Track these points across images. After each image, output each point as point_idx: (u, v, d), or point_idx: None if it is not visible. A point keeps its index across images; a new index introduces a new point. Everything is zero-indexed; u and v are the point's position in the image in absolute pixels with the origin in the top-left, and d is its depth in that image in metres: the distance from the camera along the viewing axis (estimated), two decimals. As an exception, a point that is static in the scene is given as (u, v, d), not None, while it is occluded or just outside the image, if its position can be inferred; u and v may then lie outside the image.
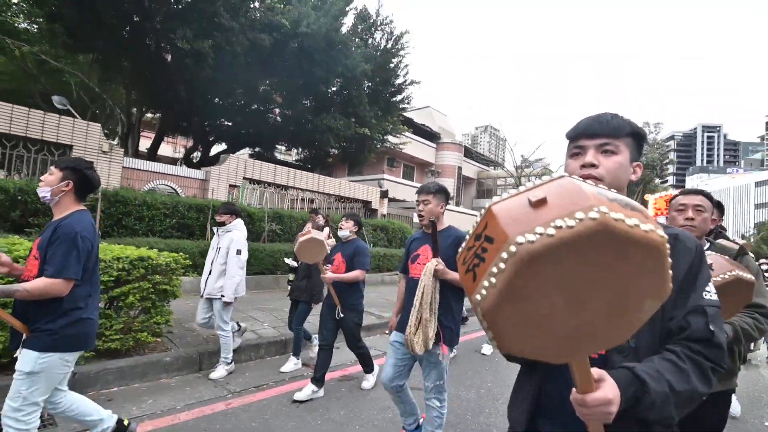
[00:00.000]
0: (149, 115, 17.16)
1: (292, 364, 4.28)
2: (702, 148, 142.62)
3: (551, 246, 0.51)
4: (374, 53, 13.74)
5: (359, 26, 13.31)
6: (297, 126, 13.99)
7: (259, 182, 12.25)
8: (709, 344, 0.92)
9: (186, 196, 10.17)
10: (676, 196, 2.04)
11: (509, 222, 0.55)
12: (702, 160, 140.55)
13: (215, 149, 17.56)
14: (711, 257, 1.46)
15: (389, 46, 14.23)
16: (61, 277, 2.01)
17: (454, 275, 2.40)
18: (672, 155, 30.99)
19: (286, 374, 4.09)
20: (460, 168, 28.72)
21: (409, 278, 2.65)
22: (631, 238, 0.53)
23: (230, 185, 11.55)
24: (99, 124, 9.19)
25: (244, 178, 11.81)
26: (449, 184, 27.13)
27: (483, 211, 0.65)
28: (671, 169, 31.25)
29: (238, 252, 3.91)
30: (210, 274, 3.93)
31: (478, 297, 0.57)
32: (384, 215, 15.86)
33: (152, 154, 14.45)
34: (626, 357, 0.94)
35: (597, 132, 1.05)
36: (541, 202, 0.56)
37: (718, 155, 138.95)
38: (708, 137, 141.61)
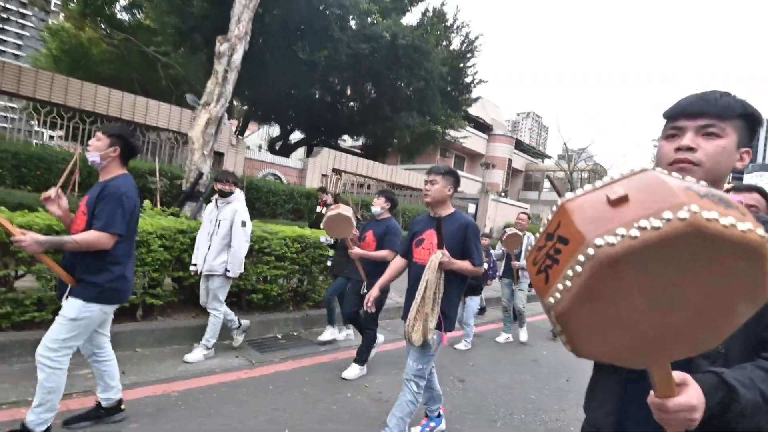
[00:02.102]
0: (235, 103, 19.16)
1: (328, 333, 4.34)
2: (765, 144, 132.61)
3: (635, 249, 0.47)
4: (450, 55, 14.83)
5: (437, 29, 14.33)
6: (374, 121, 15.41)
7: (344, 172, 13.88)
8: None
9: (287, 184, 11.93)
10: (727, 191, 1.77)
11: (586, 222, 0.51)
12: (764, 157, 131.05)
13: (292, 137, 19.35)
14: None
15: (463, 48, 15.25)
16: (108, 231, 2.14)
17: (460, 264, 2.30)
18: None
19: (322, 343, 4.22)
20: (510, 160, 29.30)
21: (413, 263, 2.51)
22: (727, 240, 0.47)
23: (322, 174, 13.23)
24: (229, 121, 11.03)
25: (334, 169, 13.47)
26: (499, 175, 27.90)
27: (555, 208, 0.60)
28: (728, 177, 30.25)
29: (243, 224, 3.67)
30: (210, 248, 3.61)
31: (552, 300, 0.55)
32: (445, 205, 17.17)
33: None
34: (714, 363, 0.86)
35: (701, 111, 0.93)
36: (621, 200, 0.51)
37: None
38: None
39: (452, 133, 19.18)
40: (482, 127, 28.62)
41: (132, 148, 2.36)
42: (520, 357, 4.83)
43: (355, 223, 3.47)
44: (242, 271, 3.78)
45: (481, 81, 16.64)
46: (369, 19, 11.12)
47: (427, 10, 13.94)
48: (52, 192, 2.25)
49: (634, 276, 0.49)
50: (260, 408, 2.85)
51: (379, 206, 3.71)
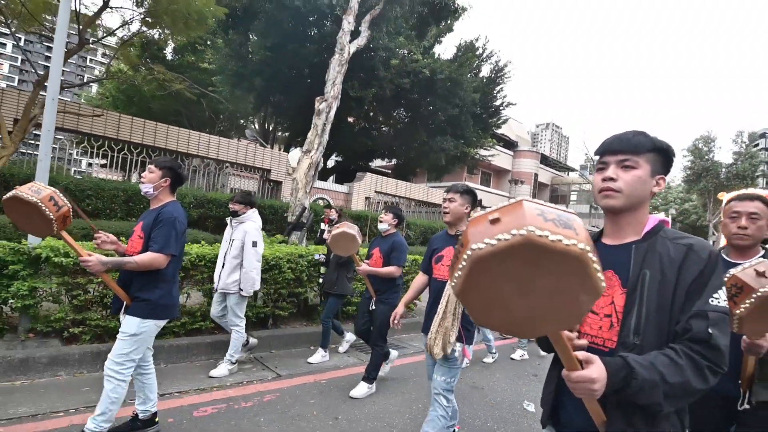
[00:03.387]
0: (279, 133, 20.67)
1: (319, 356, 4.31)
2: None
3: (492, 251, 0.69)
4: (481, 83, 15.83)
5: (469, 59, 15.38)
6: (409, 144, 16.47)
7: (384, 194, 14.91)
8: (708, 346, 1.00)
9: (338, 206, 13.03)
10: (730, 200, 1.89)
11: (473, 234, 0.73)
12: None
13: (329, 161, 20.60)
14: (763, 264, 1.40)
15: (493, 75, 16.25)
16: (164, 252, 2.34)
17: None
18: (764, 166, 29.60)
19: (312, 365, 4.16)
20: (536, 175, 29.83)
21: (433, 279, 2.63)
22: (552, 249, 0.68)
23: (365, 197, 14.30)
24: (287, 153, 12.27)
25: (376, 192, 14.53)
26: (526, 190, 28.45)
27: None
28: (763, 182, 29.79)
29: (254, 244, 3.77)
30: (223, 267, 3.77)
31: (452, 284, 0.76)
32: (477, 222, 17.91)
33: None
34: (631, 352, 1.05)
35: (617, 149, 1.16)
36: (495, 221, 0.72)
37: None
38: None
39: (481, 152, 20.08)
40: (508, 143, 29.37)
41: (180, 177, 2.57)
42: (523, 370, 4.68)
43: (360, 240, 3.57)
44: (257, 288, 3.86)
45: (509, 104, 17.54)
46: (408, 55, 12.23)
47: (461, 45, 15.03)
48: (102, 236, 2.41)
49: (497, 270, 0.71)
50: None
51: (386, 223, 3.76)
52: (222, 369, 3.68)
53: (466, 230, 0.78)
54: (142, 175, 2.50)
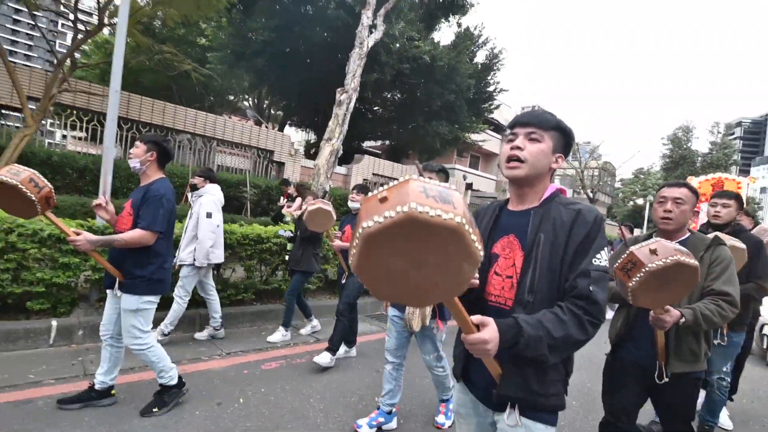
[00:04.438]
0: (272, 111, 20.70)
1: (280, 335, 4.24)
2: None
3: (380, 228, 0.73)
4: (476, 68, 16.22)
5: (466, 47, 15.71)
6: (404, 126, 16.85)
7: (381, 176, 15.39)
8: (589, 301, 1.10)
9: (333, 188, 13.45)
10: (661, 187, 2.02)
11: (365, 212, 0.77)
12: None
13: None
14: (657, 243, 1.47)
15: (489, 62, 16.63)
16: (150, 229, 2.37)
17: None
18: (737, 156, 31.15)
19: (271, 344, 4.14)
20: (523, 159, 30.55)
21: None
22: (432, 223, 0.72)
23: (363, 179, 14.74)
24: (289, 135, 12.55)
25: (373, 174, 14.98)
26: (513, 173, 29.23)
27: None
28: (735, 171, 31.39)
29: (208, 215, 3.81)
30: (182, 240, 3.85)
31: (350, 260, 0.79)
32: (468, 205, 18.65)
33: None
34: (525, 309, 1.16)
35: (529, 122, 1.26)
36: (384, 199, 0.76)
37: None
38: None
39: (473, 136, 20.61)
40: (497, 128, 29.92)
41: (166, 152, 2.59)
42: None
43: (334, 217, 3.68)
44: (213, 261, 3.85)
45: (502, 90, 18.00)
46: (408, 41, 12.52)
47: (460, 32, 15.31)
48: (101, 199, 2.55)
49: (386, 245, 0.76)
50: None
51: (357, 202, 3.77)
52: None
53: (360, 209, 0.83)
54: (130, 151, 2.56)
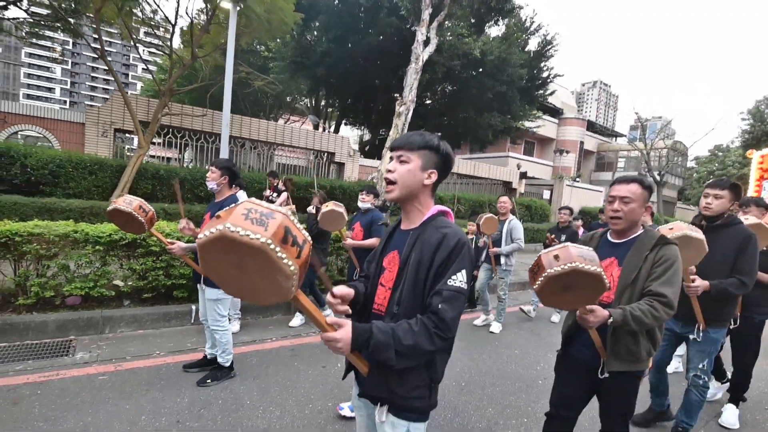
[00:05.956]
0: (329, 110, 21.85)
1: (298, 320, 4.66)
2: None
3: (204, 240, 0.88)
4: (529, 57, 16.05)
5: (515, 36, 15.61)
6: (456, 119, 17.11)
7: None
8: (438, 317, 1.21)
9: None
10: (612, 184, 1.95)
11: (207, 226, 0.90)
12: None
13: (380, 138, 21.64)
14: (562, 248, 1.46)
15: (542, 49, 16.38)
16: None
17: None
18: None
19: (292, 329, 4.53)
20: (582, 143, 29.25)
21: None
22: (239, 242, 0.85)
23: (417, 173, 15.36)
24: (348, 137, 13.52)
25: (427, 168, 15.56)
26: (571, 159, 28.16)
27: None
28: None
29: None
30: None
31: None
32: (522, 193, 18.46)
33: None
34: (392, 318, 1.29)
35: (397, 146, 1.37)
36: (217, 217, 0.90)
37: None
38: None
39: (527, 123, 20.20)
40: (552, 111, 28.79)
41: (235, 174, 3.10)
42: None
43: (346, 217, 3.82)
44: None
45: (556, 75, 17.58)
46: (458, 38, 12.84)
47: (511, 24, 15.28)
48: (183, 223, 3.05)
49: (213, 253, 0.91)
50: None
51: (368, 202, 4.04)
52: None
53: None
54: (207, 175, 3.09)
